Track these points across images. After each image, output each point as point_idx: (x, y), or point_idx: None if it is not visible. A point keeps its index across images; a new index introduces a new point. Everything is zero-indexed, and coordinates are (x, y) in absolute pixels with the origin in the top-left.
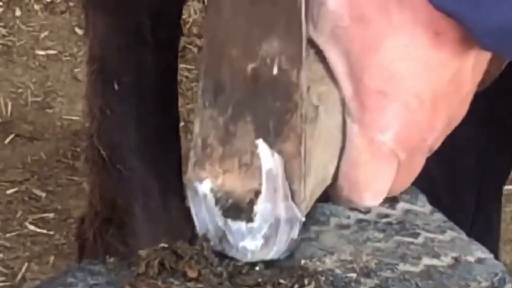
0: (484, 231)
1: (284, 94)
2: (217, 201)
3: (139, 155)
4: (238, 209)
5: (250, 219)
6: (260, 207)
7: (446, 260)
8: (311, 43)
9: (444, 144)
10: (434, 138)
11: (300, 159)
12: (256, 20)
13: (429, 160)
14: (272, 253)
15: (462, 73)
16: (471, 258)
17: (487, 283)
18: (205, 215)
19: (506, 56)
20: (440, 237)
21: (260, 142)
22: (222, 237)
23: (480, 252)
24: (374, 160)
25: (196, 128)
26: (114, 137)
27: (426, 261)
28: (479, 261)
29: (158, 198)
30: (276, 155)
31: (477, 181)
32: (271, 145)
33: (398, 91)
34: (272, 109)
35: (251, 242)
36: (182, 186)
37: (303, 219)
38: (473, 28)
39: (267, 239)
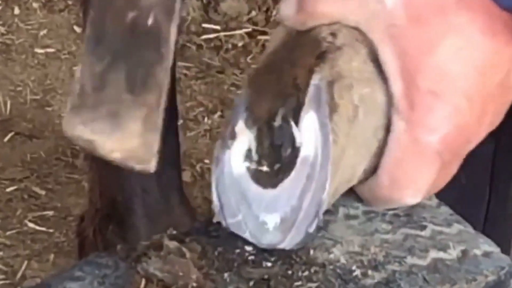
0: (500, 211)
1: (154, 46)
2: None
3: None
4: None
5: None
6: None
7: (453, 253)
8: (366, 39)
9: None
10: (478, 141)
11: (159, 112)
12: None
13: None
14: (287, 241)
15: (510, 77)
16: (478, 252)
17: (494, 276)
18: (227, 184)
19: None
20: (447, 230)
21: None
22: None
23: (487, 245)
24: (418, 159)
25: (77, 73)
26: None
27: (433, 254)
28: (486, 254)
29: (157, 194)
30: None
31: (491, 158)
32: (137, 96)
33: (450, 93)
34: (143, 60)
35: (270, 216)
36: (181, 182)
37: (322, 216)
38: None
39: (284, 220)
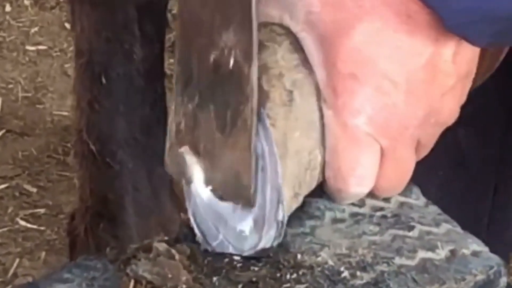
0: (505, 202)
1: (238, 87)
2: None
3: (128, 148)
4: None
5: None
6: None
7: (441, 253)
8: (287, 33)
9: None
10: (416, 126)
11: (249, 151)
12: (218, 10)
13: (458, 132)
14: (264, 239)
15: (439, 61)
16: (466, 251)
17: (483, 276)
18: (202, 213)
19: (471, 41)
20: (435, 230)
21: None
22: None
23: (475, 245)
24: (352, 145)
25: (172, 113)
26: (103, 131)
27: (422, 254)
28: (475, 254)
29: (148, 191)
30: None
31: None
32: (228, 137)
33: (370, 75)
34: (229, 100)
35: (244, 223)
36: (172, 180)
37: (285, 202)
38: (439, 8)
39: (256, 221)
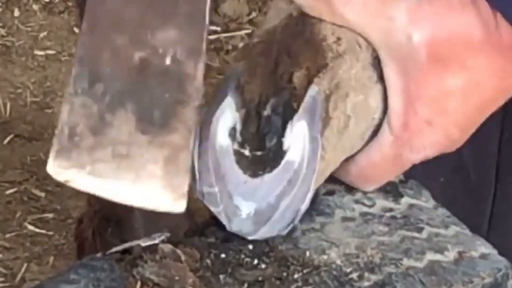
0: (505, 209)
1: (176, 86)
2: None
3: None
4: None
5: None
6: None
7: (449, 255)
8: (369, 48)
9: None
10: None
11: (188, 151)
12: (151, 9)
13: None
14: (258, 234)
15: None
16: (475, 254)
17: (491, 278)
18: (209, 153)
19: None
20: (444, 232)
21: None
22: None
23: (484, 247)
24: (393, 169)
25: (64, 115)
26: None
27: (430, 256)
28: (483, 256)
29: None
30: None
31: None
32: (154, 137)
33: (444, 124)
34: (159, 100)
35: (244, 203)
36: None
37: (297, 223)
38: None
39: (258, 214)
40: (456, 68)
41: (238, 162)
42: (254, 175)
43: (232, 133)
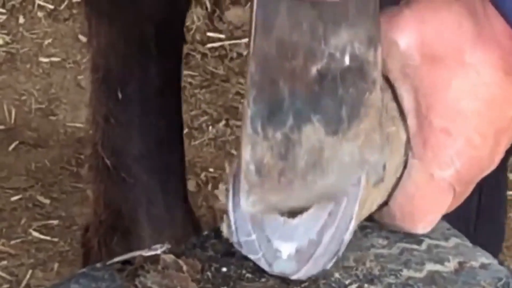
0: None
1: (359, 78)
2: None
3: (143, 162)
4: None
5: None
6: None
7: (449, 265)
8: (388, 81)
9: None
10: (491, 169)
11: (380, 129)
12: (320, 20)
13: None
14: (301, 272)
15: None
16: (475, 264)
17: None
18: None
19: None
20: (444, 243)
21: None
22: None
23: (484, 257)
24: (431, 194)
25: (247, 155)
26: (118, 145)
27: (430, 266)
28: (483, 266)
29: (162, 205)
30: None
31: None
32: (344, 132)
33: (462, 129)
34: (344, 97)
35: (284, 244)
36: (186, 192)
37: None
38: None
39: (300, 252)
40: (455, 65)
41: None
42: (292, 216)
43: None
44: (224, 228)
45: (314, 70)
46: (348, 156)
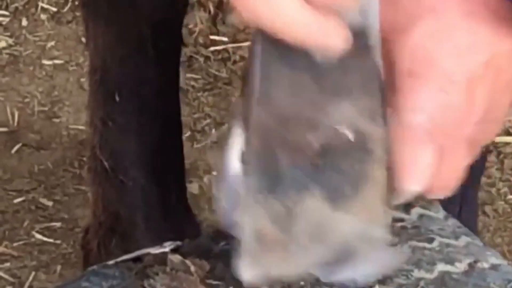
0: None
1: (364, 154)
2: None
3: (141, 165)
4: None
5: None
6: None
7: (460, 266)
8: None
9: None
10: (473, 124)
11: (382, 201)
12: (321, 92)
13: None
14: None
15: (499, 58)
16: (485, 265)
17: None
18: None
19: None
20: (455, 242)
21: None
22: None
23: (494, 258)
24: (409, 143)
25: (247, 227)
26: (116, 148)
27: (441, 267)
28: (493, 267)
29: (160, 207)
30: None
31: None
32: (347, 207)
33: (430, 73)
34: (348, 172)
35: None
36: (185, 195)
37: None
38: None
39: None
40: (415, 8)
41: None
42: None
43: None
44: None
45: (317, 144)
46: (350, 230)
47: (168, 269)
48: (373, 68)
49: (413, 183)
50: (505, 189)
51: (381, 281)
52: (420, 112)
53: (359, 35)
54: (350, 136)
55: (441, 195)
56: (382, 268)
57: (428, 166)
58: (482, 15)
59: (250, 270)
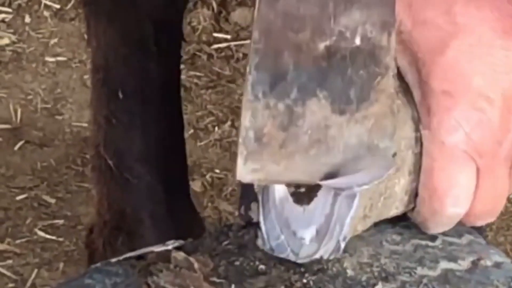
0: None
1: (370, 61)
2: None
3: (145, 162)
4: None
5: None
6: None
7: (463, 264)
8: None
9: None
10: (510, 141)
11: (392, 116)
12: None
13: None
14: (321, 249)
15: None
16: (488, 262)
17: (505, 287)
18: (272, 211)
19: None
20: (458, 240)
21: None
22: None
23: (497, 256)
24: (449, 165)
25: (246, 121)
26: (120, 146)
27: (444, 264)
28: (497, 265)
29: (165, 204)
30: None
31: None
32: (352, 114)
33: (465, 91)
34: (354, 78)
35: (306, 231)
36: (189, 192)
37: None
38: None
39: (319, 231)
40: (449, 27)
41: (296, 201)
42: (310, 199)
43: None
44: (259, 242)
45: (322, 46)
46: (355, 138)
47: (171, 266)
48: None
49: (453, 205)
50: None
51: (384, 278)
52: (456, 131)
53: None
54: (358, 41)
55: (483, 221)
56: (378, 177)
57: (468, 186)
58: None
59: (248, 168)
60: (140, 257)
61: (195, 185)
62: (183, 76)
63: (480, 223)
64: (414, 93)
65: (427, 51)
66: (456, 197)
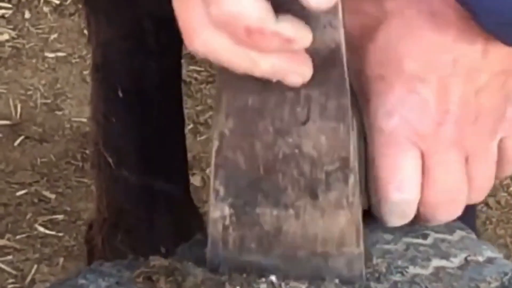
0: None
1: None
2: None
3: (144, 160)
4: None
5: None
6: None
7: (455, 261)
8: None
9: None
10: (453, 123)
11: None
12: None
13: None
14: None
15: (470, 57)
16: (480, 258)
17: (497, 283)
18: None
19: (503, 41)
20: (449, 237)
21: None
22: None
23: (489, 251)
24: (390, 150)
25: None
26: (120, 143)
27: (436, 262)
28: (489, 261)
29: (165, 202)
30: None
31: None
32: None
33: (398, 75)
34: None
35: None
36: (188, 188)
37: None
38: (473, 7)
39: None
40: (375, 14)
41: None
42: None
43: None
44: None
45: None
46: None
47: (171, 279)
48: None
49: (397, 190)
50: (508, 180)
51: (377, 279)
52: (392, 115)
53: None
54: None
55: (451, 213)
56: None
57: (412, 172)
58: (447, 15)
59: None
60: (134, 259)
61: (195, 180)
62: (183, 71)
63: (442, 216)
64: (354, 85)
65: (358, 39)
66: (400, 182)
